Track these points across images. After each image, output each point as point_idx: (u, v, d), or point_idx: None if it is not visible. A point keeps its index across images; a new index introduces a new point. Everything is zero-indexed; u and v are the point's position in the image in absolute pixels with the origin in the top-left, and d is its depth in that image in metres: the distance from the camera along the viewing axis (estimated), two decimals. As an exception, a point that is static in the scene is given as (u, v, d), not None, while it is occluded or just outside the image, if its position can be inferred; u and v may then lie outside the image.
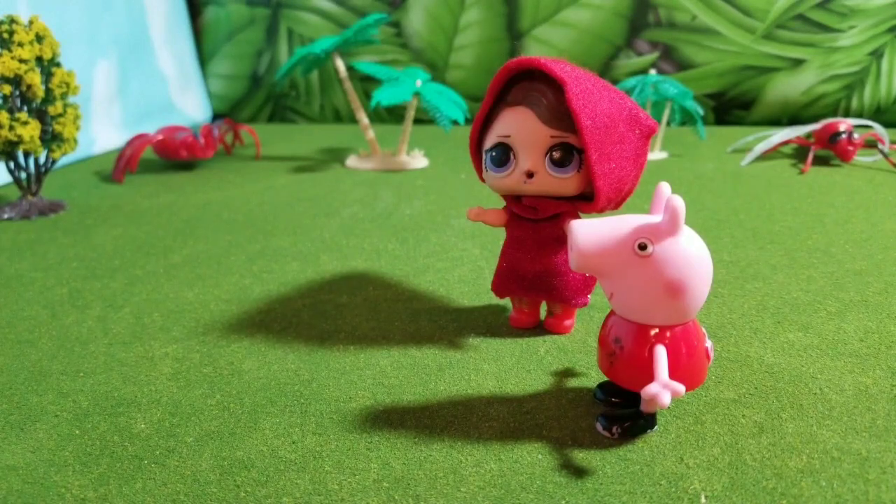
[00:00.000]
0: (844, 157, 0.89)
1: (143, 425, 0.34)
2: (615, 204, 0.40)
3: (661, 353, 0.30)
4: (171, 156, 0.94)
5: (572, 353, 0.41)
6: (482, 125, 0.40)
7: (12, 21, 0.66)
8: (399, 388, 0.37)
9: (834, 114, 1.24)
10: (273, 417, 0.35)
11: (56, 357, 0.42)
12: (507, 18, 1.29)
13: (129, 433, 0.34)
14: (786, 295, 0.48)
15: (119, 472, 0.31)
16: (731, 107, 1.28)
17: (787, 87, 1.24)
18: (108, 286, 0.53)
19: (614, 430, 0.32)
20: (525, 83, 0.38)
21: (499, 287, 0.44)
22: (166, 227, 0.68)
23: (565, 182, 0.38)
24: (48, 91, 0.69)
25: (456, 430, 0.34)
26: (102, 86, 1.09)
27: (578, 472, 0.30)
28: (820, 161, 0.92)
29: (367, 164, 0.96)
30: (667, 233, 0.29)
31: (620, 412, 0.33)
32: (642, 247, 0.29)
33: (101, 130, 1.09)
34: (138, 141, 0.92)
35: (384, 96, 0.85)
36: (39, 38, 0.68)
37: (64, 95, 0.71)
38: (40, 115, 0.70)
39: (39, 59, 0.68)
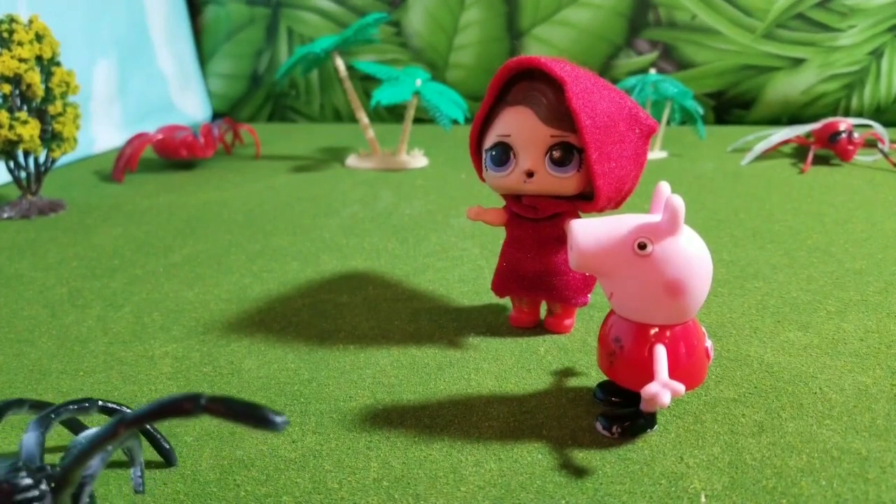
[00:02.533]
0: (844, 156, 0.89)
1: (142, 425, 0.34)
2: (615, 203, 0.40)
3: (660, 352, 0.30)
4: (171, 155, 0.94)
5: (572, 352, 0.41)
6: (482, 125, 0.40)
7: (12, 20, 0.66)
8: (399, 387, 0.37)
9: (834, 113, 1.24)
10: (273, 417, 0.35)
11: (56, 356, 0.42)
12: (507, 18, 1.29)
13: (129, 433, 0.34)
14: (786, 294, 0.48)
15: (119, 471, 0.31)
16: (730, 106, 1.28)
17: (787, 87, 1.24)
18: (108, 286, 0.53)
19: (614, 429, 0.32)
20: (525, 83, 0.38)
21: (499, 286, 0.44)
22: (166, 226, 0.68)
23: (565, 181, 0.38)
24: (48, 90, 0.69)
25: (456, 429, 0.34)
26: (102, 85, 1.09)
27: (578, 472, 0.30)
28: (820, 160, 0.92)
29: (367, 164, 0.96)
30: (666, 232, 0.29)
31: (620, 412, 0.33)
32: (642, 246, 0.29)
33: (101, 130, 1.09)
34: (138, 140, 0.92)
35: (384, 96, 0.85)
36: (39, 38, 0.68)
37: (64, 95, 0.71)
38: (40, 114, 0.70)
39: (39, 59, 0.68)
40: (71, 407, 0.27)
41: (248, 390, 0.37)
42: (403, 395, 0.37)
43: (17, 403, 0.27)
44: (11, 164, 0.71)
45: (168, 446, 0.31)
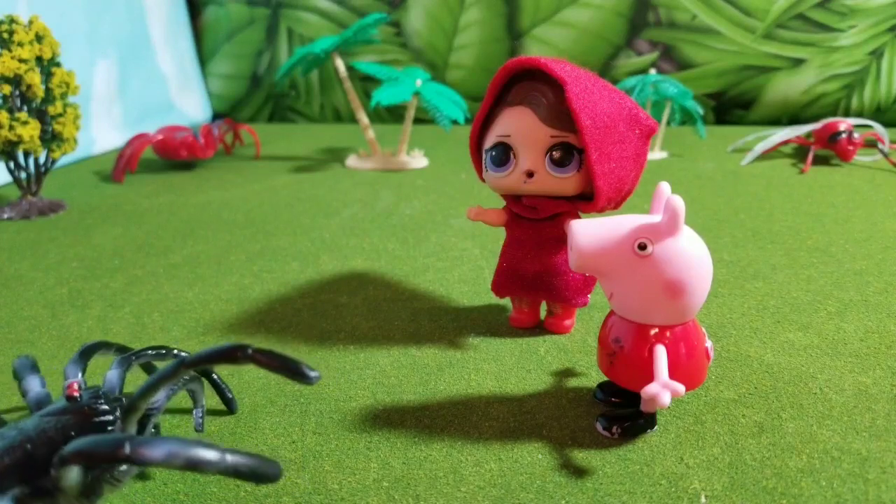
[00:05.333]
0: (844, 156, 0.89)
1: (143, 425, 0.34)
2: (615, 204, 0.40)
3: (660, 352, 0.30)
4: (171, 156, 0.94)
5: (572, 353, 0.41)
6: (482, 125, 0.40)
7: (12, 21, 0.66)
8: (399, 387, 0.37)
9: (834, 113, 1.24)
10: (273, 417, 0.35)
11: (56, 357, 0.42)
12: (507, 18, 1.29)
13: (129, 433, 0.34)
14: (786, 295, 0.48)
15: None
16: (731, 106, 1.28)
17: (787, 87, 1.24)
18: (108, 286, 0.53)
19: (614, 430, 0.32)
20: (525, 83, 0.38)
21: (499, 287, 0.44)
22: (166, 227, 0.68)
23: (565, 182, 0.38)
24: (48, 91, 0.69)
25: (456, 430, 0.34)
26: (102, 86, 1.09)
27: (578, 472, 0.30)
28: (820, 161, 0.92)
29: (367, 164, 0.96)
30: (666, 233, 0.29)
31: (620, 412, 0.33)
32: (642, 247, 0.29)
33: (101, 130, 1.09)
34: (138, 141, 0.92)
35: (384, 96, 0.85)
36: (39, 38, 0.68)
37: (64, 95, 0.71)
38: (40, 114, 0.70)
39: (39, 59, 0.68)
40: (149, 352, 0.32)
41: (249, 391, 0.37)
42: (403, 395, 0.37)
43: (106, 345, 0.32)
44: (11, 164, 0.71)
45: (231, 396, 0.35)
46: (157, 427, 0.29)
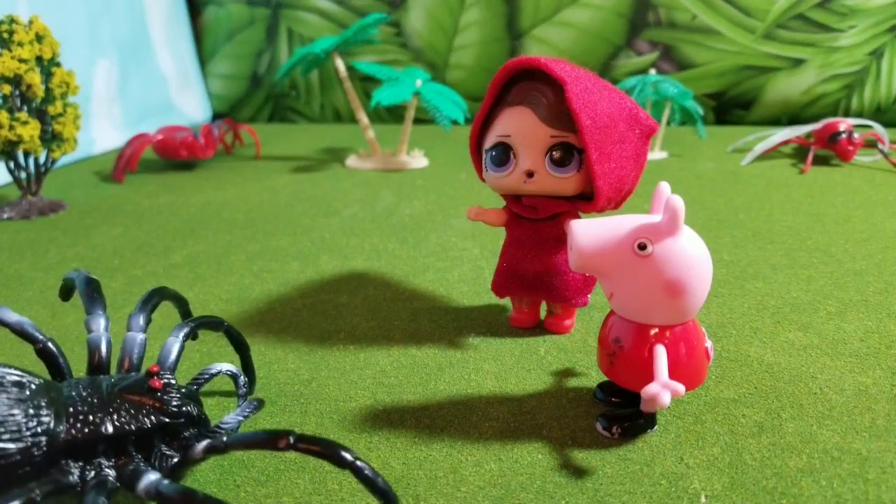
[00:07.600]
0: (844, 156, 0.89)
1: (142, 425, 0.34)
2: (615, 204, 0.40)
3: (660, 352, 0.30)
4: (171, 156, 0.94)
5: (572, 353, 0.41)
6: (482, 125, 0.40)
7: (12, 21, 0.66)
8: (399, 387, 0.37)
9: (834, 113, 1.24)
10: (273, 417, 0.35)
11: (56, 357, 0.41)
12: (507, 18, 1.29)
13: (129, 433, 0.34)
14: (786, 295, 0.48)
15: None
16: (731, 106, 1.28)
17: (787, 87, 1.24)
18: (108, 286, 0.53)
19: (614, 430, 0.32)
20: (525, 83, 0.38)
21: (499, 287, 0.44)
22: (166, 227, 0.68)
23: (565, 182, 0.38)
24: (48, 91, 0.69)
25: (456, 430, 0.34)
26: (102, 86, 1.09)
27: (578, 472, 0.30)
28: (820, 161, 0.92)
29: (367, 164, 0.96)
30: (666, 233, 0.29)
31: (620, 412, 0.33)
32: (642, 247, 0.29)
33: (101, 130, 1.09)
34: (138, 141, 0.92)
35: (384, 96, 0.85)
36: (39, 38, 0.68)
37: (64, 95, 0.71)
38: (40, 114, 0.70)
39: (39, 59, 0.68)
40: (205, 321, 0.33)
41: (248, 391, 0.37)
42: (403, 395, 0.37)
43: (163, 294, 0.35)
44: (11, 164, 0.71)
45: (253, 375, 0.36)
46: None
